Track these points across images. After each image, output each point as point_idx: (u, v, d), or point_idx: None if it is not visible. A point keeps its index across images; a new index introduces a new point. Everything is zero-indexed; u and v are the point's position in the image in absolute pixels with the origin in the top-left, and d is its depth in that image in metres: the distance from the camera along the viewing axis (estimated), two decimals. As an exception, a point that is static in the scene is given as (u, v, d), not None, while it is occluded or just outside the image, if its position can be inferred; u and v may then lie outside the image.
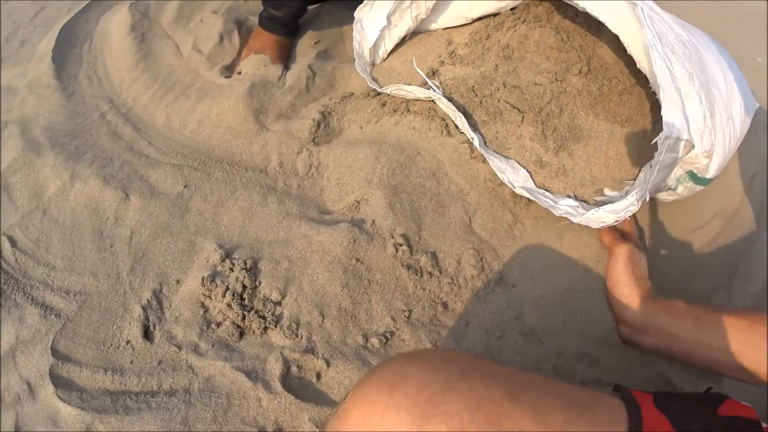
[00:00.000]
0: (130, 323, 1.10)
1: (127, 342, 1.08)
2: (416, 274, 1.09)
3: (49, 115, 1.57)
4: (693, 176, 1.13)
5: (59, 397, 0.99)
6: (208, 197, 1.29)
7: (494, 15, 1.46)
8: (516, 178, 1.12)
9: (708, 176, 1.16)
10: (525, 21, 1.34)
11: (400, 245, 1.09)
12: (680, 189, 1.17)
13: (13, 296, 1.16)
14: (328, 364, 1.02)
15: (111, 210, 1.30)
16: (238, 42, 1.74)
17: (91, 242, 1.25)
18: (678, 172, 1.14)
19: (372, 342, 1.05)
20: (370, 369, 0.78)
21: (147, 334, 1.09)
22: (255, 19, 1.77)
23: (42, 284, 1.18)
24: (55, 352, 1.06)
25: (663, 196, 1.21)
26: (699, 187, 1.20)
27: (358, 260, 1.13)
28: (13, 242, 1.27)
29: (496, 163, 1.13)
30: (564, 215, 1.05)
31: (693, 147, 1.03)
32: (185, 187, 1.36)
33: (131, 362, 1.05)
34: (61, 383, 1.03)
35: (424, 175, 1.22)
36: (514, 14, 1.40)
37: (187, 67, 1.74)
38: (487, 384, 0.53)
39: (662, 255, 1.32)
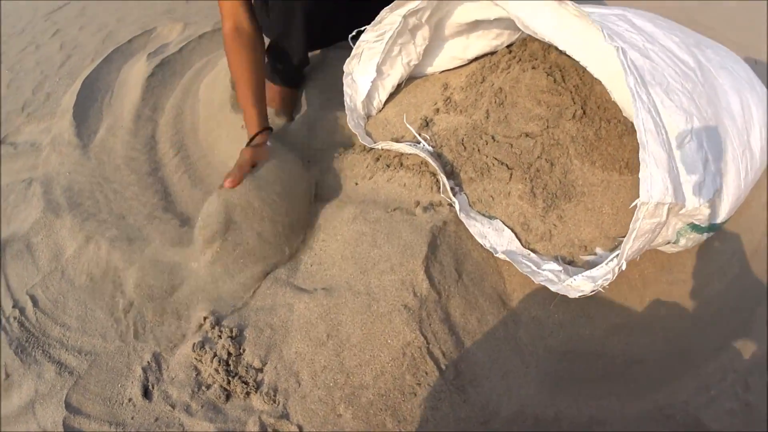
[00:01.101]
0: (132, 382, 1.58)
1: (129, 399, 1.55)
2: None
3: (69, 174, 2.12)
4: (695, 227, 1.31)
5: None
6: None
7: (491, 54, 1.72)
8: (499, 241, 1.38)
9: (717, 221, 1.31)
10: (520, 60, 1.57)
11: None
12: (683, 241, 1.37)
13: (34, 353, 1.69)
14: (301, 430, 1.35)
15: (117, 273, 1.81)
16: None
17: (100, 304, 1.76)
18: (677, 225, 1.33)
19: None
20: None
21: (146, 393, 1.56)
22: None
23: (58, 343, 1.71)
24: (68, 406, 1.56)
25: (666, 248, 1.44)
26: (706, 235, 1.35)
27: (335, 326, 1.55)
28: (35, 302, 1.81)
29: (478, 229, 1.40)
30: (543, 282, 1.29)
31: (684, 206, 1.18)
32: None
33: (132, 418, 1.52)
34: None
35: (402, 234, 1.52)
36: (510, 52, 1.66)
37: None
38: None
39: (669, 307, 1.60)
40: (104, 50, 2.83)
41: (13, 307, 1.82)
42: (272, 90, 1.91)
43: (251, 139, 1.61)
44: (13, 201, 2.19)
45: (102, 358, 1.55)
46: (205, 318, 1.49)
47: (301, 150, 1.83)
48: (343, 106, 1.73)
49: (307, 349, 1.38)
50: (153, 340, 1.55)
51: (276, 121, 1.92)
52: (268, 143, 1.64)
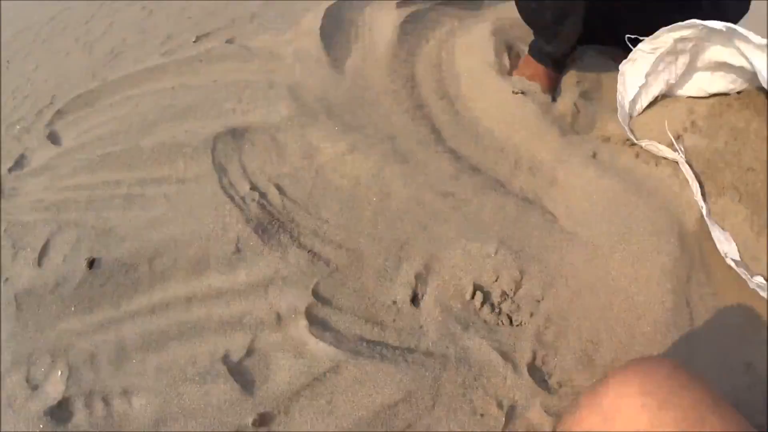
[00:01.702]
0: (400, 287, 1.66)
1: (393, 302, 1.62)
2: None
3: (320, 86, 2.29)
4: None
5: (311, 333, 1.55)
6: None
7: (726, 94, 2.01)
8: (729, 249, 1.63)
9: None
10: (747, 107, 1.88)
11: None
12: None
13: (278, 236, 1.79)
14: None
15: (386, 185, 1.94)
16: (508, 64, 2.41)
17: (369, 208, 1.87)
18: None
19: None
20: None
21: (414, 300, 1.63)
22: (522, 46, 2.48)
23: (312, 233, 1.80)
24: (315, 294, 1.64)
25: None
26: None
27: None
28: (281, 190, 1.92)
29: (716, 234, 1.66)
30: (755, 289, 1.54)
31: None
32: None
33: (393, 320, 1.59)
34: (316, 322, 1.59)
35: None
36: (739, 98, 1.94)
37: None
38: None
39: None
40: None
41: (252, 189, 1.97)
42: (539, 69, 2.13)
43: None
44: (249, 95, 2.44)
45: (367, 258, 1.65)
46: (497, 251, 1.57)
47: (563, 129, 2.08)
48: (598, 102, 2.09)
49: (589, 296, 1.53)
50: (426, 251, 1.66)
51: (541, 97, 2.09)
52: None
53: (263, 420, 1.45)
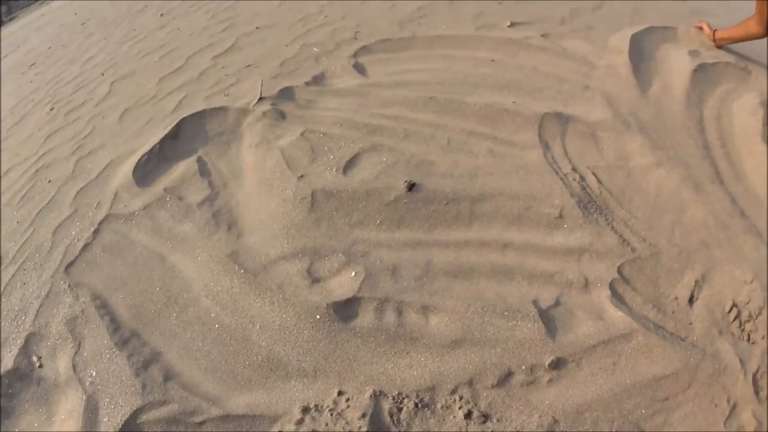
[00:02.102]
0: (682, 287, 1.96)
1: (675, 298, 1.93)
2: None
3: (630, 103, 2.67)
4: None
5: (611, 302, 1.88)
6: None
7: None
8: None
9: None
10: None
11: None
12: None
13: (595, 215, 2.13)
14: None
15: (681, 202, 2.23)
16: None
17: (668, 216, 2.19)
18: None
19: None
20: None
21: (690, 300, 1.93)
22: None
23: (623, 222, 2.12)
24: (620, 272, 1.97)
25: None
26: None
27: None
28: (598, 179, 2.26)
29: None
30: None
31: None
32: None
33: (673, 312, 1.90)
34: (615, 294, 1.92)
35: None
36: None
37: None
38: None
39: None
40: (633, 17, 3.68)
41: (572, 170, 2.34)
42: None
43: None
44: (566, 90, 2.85)
45: (662, 255, 2.03)
46: (752, 280, 1.91)
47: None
48: None
49: None
50: (704, 261, 2.02)
51: None
52: None
53: (558, 364, 1.76)
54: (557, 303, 1.89)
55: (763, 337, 1.80)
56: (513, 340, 1.75)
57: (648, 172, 2.37)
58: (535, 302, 1.86)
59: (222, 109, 2.93)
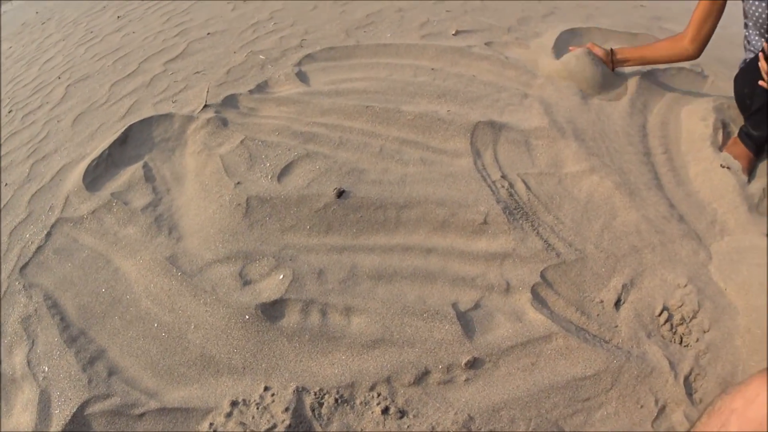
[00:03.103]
0: (608, 290, 2.06)
1: (601, 301, 2.03)
2: None
3: (568, 112, 2.79)
4: None
5: (532, 305, 1.96)
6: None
7: None
8: None
9: None
10: None
11: None
12: None
13: (521, 221, 2.22)
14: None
15: (614, 208, 2.34)
16: (721, 140, 2.85)
17: (597, 222, 2.29)
18: None
19: None
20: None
21: (617, 303, 2.03)
22: (734, 127, 2.92)
23: (549, 228, 2.22)
24: (542, 276, 2.06)
25: None
26: None
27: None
28: (527, 185, 2.36)
29: None
30: None
31: None
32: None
33: (597, 315, 1.99)
34: (537, 297, 2.01)
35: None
36: None
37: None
38: None
39: None
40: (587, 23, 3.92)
41: (502, 177, 2.45)
42: (743, 151, 2.64)
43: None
44: (505, 98, 2.98)
45: (589, 259, 2.11)
46: (686, 284, 2.02)
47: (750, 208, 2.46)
48: None
49: None
50: (633, 266, 2.12)
51: (741, 176, 2.54)
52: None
53: (474, 363, 1.84)
54: (477, 306, 1.98)
55: (698, 341, 1.87)
56: (431, 341, 1.83)
57: (580, 179, 2.48)
58: (454, 304, 1.95)
59: (169, 116, 3.02)
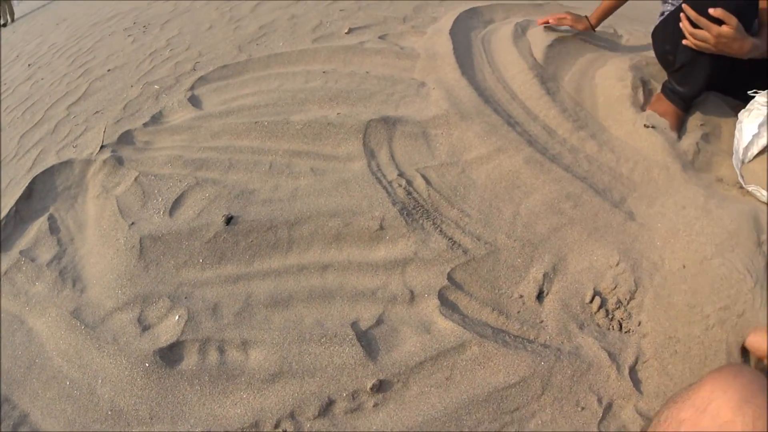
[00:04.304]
0: (528, 283, 1.90)
1: (520, 296, 1.87)
2: None
3: (463, 90, 2.62)
4: None
5: (441, 313, 1.80)
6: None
7: None
8: None
9: None
10: None
11: None
12: None
13: (421, 222, 2.04)
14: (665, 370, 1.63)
15: (525, 187, 2.18)
16: (642, 98, 2.73)
17: (508, 208, 2.11)
18: None
19: None
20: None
21: (539, 296, 1.87)
22: (656, 84, 2.81)
23: (454, 224, 2.04)
24: (450, 278, 1.89)
25: None
26: None
27: None
28: (427, 181, 2.18)
29: None
30: None
31: None
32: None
33: (518, 312, 1.83)
34: (446, 303, 1.84)
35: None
36: None
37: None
38: None
39: None
40: (488, 1, 3.81)
41: (399, 176, 2.28)
42: (668, 106, 2.56)
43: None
44: (401, 90, 2.79)
45: (502, 252, 1.95)
46: (618, 262, 1.87)
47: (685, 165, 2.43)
48: (716, 146, 2.47)
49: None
50: (556, 252, 1.96)
51: (670, 134, 2.47)
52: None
53: (381, 386, 1.67)
54: (380, 321, 1.82)
55: (640, 324, 1.73)
56: (331, 367, 1.68)
57: (486, 162, 2.33)
58: (353, 324, 1.80)
59: (69, 163, 2.88)
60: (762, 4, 2.28)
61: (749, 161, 2.26)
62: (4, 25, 13.91)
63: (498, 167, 2.28)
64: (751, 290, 1.66)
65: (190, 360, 1.78)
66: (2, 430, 1.82)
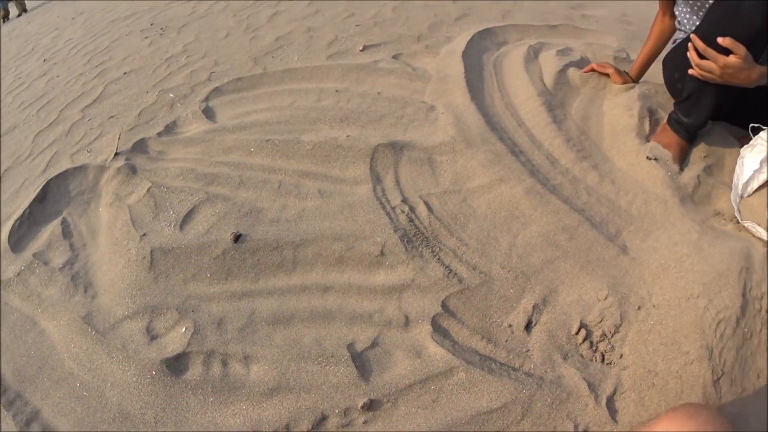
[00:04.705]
0: (518, 313, 2.01)
1: (510, 325, 1.98)
2: None
3: (476, 116, 2.74)
4: None
5: (433, 339, 1.92)
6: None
7: None
8: None
9: None
10: None
11: None
12: None
13: (420, 249, 2.16)
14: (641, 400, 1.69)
15: (524, 218, 2.29)
16: (648, 128, 2.79)
17: (505, 238, 2.23)
18: None
19: None
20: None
21: (528, 326, 1.98)
22: (663, 113, 2.87)
23: (452, 252, 2.16)
24: (444, 306, 2.01)
25: None
26: None
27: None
28: (429, 208, 2.30)
29: None
30: None
31: None
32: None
33: (506, 340, 1.94)
34: (438, 329, 1.96)
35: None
36: None
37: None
38: None
39: None
40: (503, 21, 3.86)
41: (402, 202, 2.39)
42: (673, 138, 2.56)
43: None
44: (410, 113, 2.90)
45: (495, 282, 2.02)
46: (606, 296, 1.92)
47: (683, 199, 2.44)
48: (718, 178, 2.46)
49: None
50: (546, 285, 2.02)
51: (672, 166, 2.47)
52: None
53: (372, 405, 1.79)
54: (374, 344, 1.94)
55: (622, 357, 1.80)
56: (327, 385, 1.80)
57: (487, 192, 2.43)
58: (350, 345, 1.91)
59: (83, 168, 3.00)
60: None
61: (748, 196, 2.28)
62: (19, 15, 14.02)
63: (499, 197, 2.34)
64: (734, 330, 1.77)
65: (195, 370, 1.90)
66: (15, 424, 1.95)
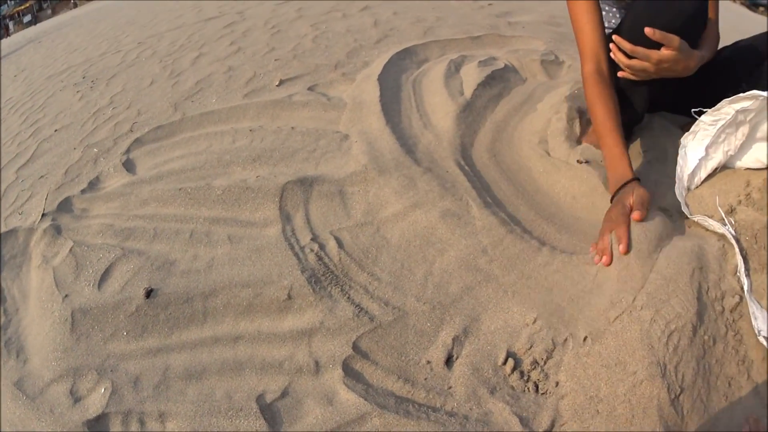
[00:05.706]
0: (437, 348, 1.91)
1: (428, 362, 1.88)
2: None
3: (393, 141, 2.67)
4: None
5: (344, 384, 1.83)
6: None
7: None
8: (763, 327, 1.71)
9: None
10: None
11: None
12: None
13: (329, 289, 2.09)
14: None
15: (441, 243, 2.22)
16: (578, 130, 2.73)
17: (421, 268, 2.15)
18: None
19: None
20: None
21: (448, 361, 1.88)
22: None
23: (363, 289, 2.09)
24: (356, 347, 1.92)
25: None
26: None
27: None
28: (340, 243, 2.23)
29: (752, 309, 1.75)
30: None
31: None
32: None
33: (425, 379, 1.84)
34: (350, 373, 1.87)
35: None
36: None
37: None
38: None
39: None
40: (424, 39, 3.80)
41: (312, 240, 2.32)
42: None
43: (622, 186, 2.04)
44: (323, 145, 2.85)
45: (410, 317, 1.89)
46: (535, 319, 1.79)
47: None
48: (660, 172, 2.30)
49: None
50: (468, 314, 1.89)
51: (603, 168, 2.34)
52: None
53: None
54: (284, 394, 1.87)
55: (557, 384, 1.66)
56: None
57: (401, 219, 2.36)
58: (259, 397, 1.85)
59: (14, 231, 2.97)
60: (711, 15, 2.18)
61: (696, 187, 2.15)
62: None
63: (413, 224, 2.27)
64: (691, 339, 1.65)
65: (115, 431, 1.90)
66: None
